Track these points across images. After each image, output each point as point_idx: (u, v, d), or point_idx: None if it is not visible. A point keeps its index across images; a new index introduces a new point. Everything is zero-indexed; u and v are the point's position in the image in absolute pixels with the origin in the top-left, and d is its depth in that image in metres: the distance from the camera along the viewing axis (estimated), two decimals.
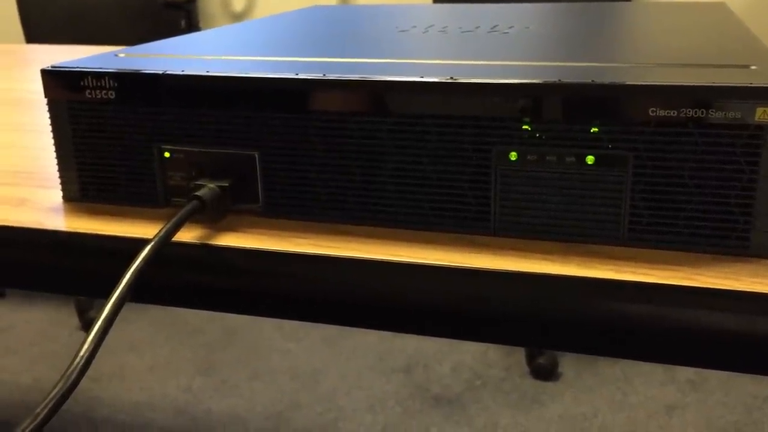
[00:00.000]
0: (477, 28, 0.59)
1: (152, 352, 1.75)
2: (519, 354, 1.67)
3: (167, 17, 1.92)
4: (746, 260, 0.38)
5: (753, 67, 0.40)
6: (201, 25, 2.36)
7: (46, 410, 0.30)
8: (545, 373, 1.59)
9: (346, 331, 1.79)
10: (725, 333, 0.35)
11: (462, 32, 0.57)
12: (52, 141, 0.52)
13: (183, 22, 1.87)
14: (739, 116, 0.36)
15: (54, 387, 0.30)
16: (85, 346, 0.32)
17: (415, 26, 0.61)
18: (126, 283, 0.37)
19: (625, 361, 1.63)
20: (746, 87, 0.36)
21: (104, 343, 1.83)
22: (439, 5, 0.80)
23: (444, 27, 0.60)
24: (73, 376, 0.31)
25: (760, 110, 0.36)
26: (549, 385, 1.57)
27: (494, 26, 0.60)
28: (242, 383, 1.62)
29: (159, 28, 1.92)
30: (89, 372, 1.66)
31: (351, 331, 1.79)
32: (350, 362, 1.68)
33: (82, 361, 0.31)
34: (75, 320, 1.88)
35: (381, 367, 1.66)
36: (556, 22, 0.61)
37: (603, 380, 1.58)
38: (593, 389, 1.55)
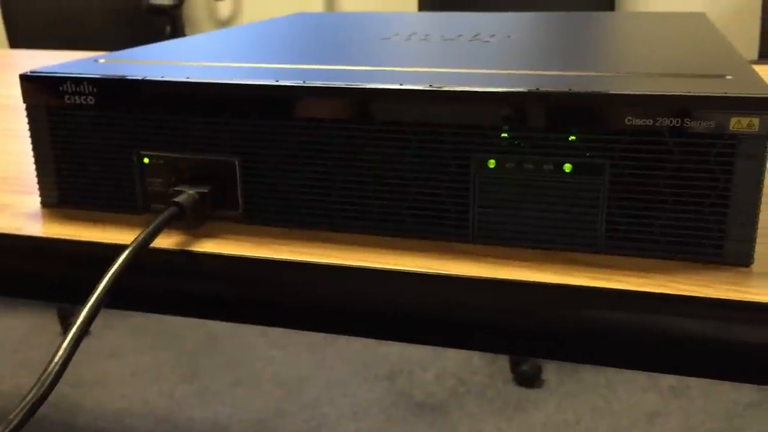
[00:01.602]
0: (459, 36, 0.60)
1: (134, 358, 1.74)
2: (503, 361, 1.67)
3: (152, 23, 1.92)
4: (720, 268, 0.38)
5: (728, 77, 0.40)
6: (186, 30, 2.35)
7: (19, 416, 0.30)
8: (529, 380, 1.60)
9: (330, 338, 1.79)
10: (699, 340, 0.35)
11: (443, 40, 0.57)
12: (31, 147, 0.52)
13: (168, 28, 1.86)
14: (714, 126, 0.37)
15: (28, 393, 0.30)
16: (60, 352, 0.32)
17: (397, 34, 0.62)
18: (102, 289, 0.37)
19: (608, 368, 1.64)
20: (721, 97, 0.36)
21: (85, 349, 1.82)
22: (422, 13, 0.81)
23: (426, 35, 0.61)
24: (48, 382, 0.31)
25: (734, 120, 0.36)
26: (532, 392, 1.57)
27: (476, 35, 0.60)
28: (225, 390, 1.62)
29: (144, 34, 1.92)
30: (70, 379, 1.65)
31: (335, 338, 1.79)
32: (334, 369, 1.68)
33: (57, 366, 0.31)
34: (57, 327, 1.87)
35: (365, 374, 1.66)
36: (537, 31, 0.62)
37: (586, 387, 1.58)
38: (576, 396, 1.56)
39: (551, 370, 1.64)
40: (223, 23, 2.37)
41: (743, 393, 1.55)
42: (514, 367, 1.62)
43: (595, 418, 1.49)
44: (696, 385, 1.58)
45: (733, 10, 1.93)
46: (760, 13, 1.79)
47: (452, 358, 1.70)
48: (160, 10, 1.82)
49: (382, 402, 1.56)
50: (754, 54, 1.82)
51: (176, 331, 1.84)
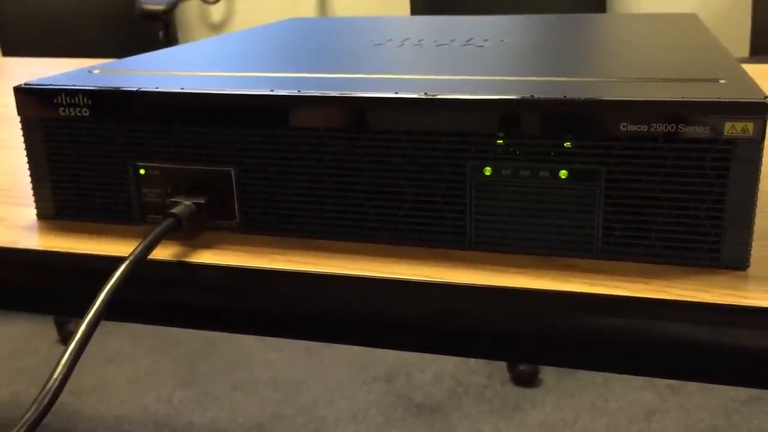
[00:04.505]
0: (452, 41, 0.60)
1: (132, 364, 1.74)
2: (500, 361, 1.68)
3: (145, 28, 1.91)
4: (717, 272, 0.38)
5: (722, 81, 0.40)
6: (179, 35, 2.35)
7: None
8: (526, 379, 1.60)
9: None
10: (697, 345, 0.35)
11: (437, 46, 0.57)
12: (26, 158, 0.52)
13: (161, 34, 1.86)
14: (709, 131, 0.37)
15: (27, 411, 0.30)
16: (59, 369, 0.32)
17: (390, 39, 0.62)
18: (101, 302, 0.36)
19: None
20: (715, 102, 0.36)
21: (84, 355, 1.82)
22: (414, 17, 0.81)
23: (419, 40, 0.61)
24: (47, 400, 0.31)
25: (728, 125, 0.37)
26: (530, 392, 1.58)
27: (469, 39, 0.60)
28: (224, 395, 1.62)
29: (137, 40, 1.92)
30: (69, 386, 1.64)
31: None
32: (332, 372, 1.68)
33: (56, 383, 0.31)
34: (54, 333, 1.86)
35: (363, 376, 1.66)
36: (530, 35, 0.62)
37: (583, 386, 1.59)
38: (574, 395, 1.56)
39: (548, 370, 1.64)
40: (216, 27, 2.37)
41: (741, 389, 1.55)
42: (512, 367, 1.62)
43: (593, 417, 1.49)
44: (693, 382, 1.59)
45: (725, 7, 1.94)
46: (751, 11, 1.80)
47: (450, 359, 1.70)
48: (153, 15, 1.82)
49: (380, 404, 1.56)
50: (745, 52, 1.83)
51: (174, 336, 1.84)
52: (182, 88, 0.44)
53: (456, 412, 1.52)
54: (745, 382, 0.36)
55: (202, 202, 0.44)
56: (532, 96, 0.39)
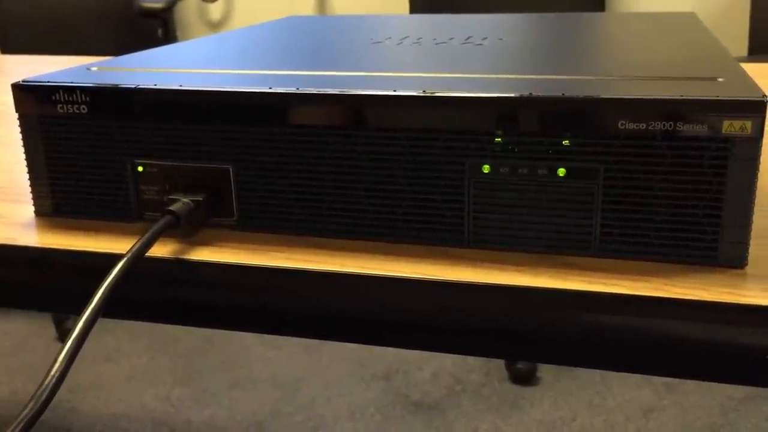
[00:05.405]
0: (451, 39, 0.60)
1: (130, 361, 1.74)
2: (498, 359, 1.68)
3: (144, 26, 1.91)
4: (714, 270, 0.38)
5: (720, 80, 0.40)
6: (178, 33, 2.35)
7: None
8: (524, 377, 1.60)
9: None
10: (695, 343, 0.35)
11: (435, 44, 0.57)
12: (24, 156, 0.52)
13: (160, 31, 1.86)
14: (707, 129, 0.37)
15: (24, 408, 0.30)
16: (56, 366, 0.32)
17: (389, 37, 0.62)
18: (99, 299, 0.36)
19: None
20: (713, 100, 0.36)
21: (81, 353, 1.82)
22: (413, 15, 0.81)
23: (418, 38, 0.61)
24: (44, 397, 0.31)
25: (726, 123, 0.37)
26: (528, 390, 1.58)
27: (468, 38, 0.60)
28: (222, 392, 1.62)
29: (136, 37, 1.92)
30: (66, 383, 1.64)
31: None
32: (330, 370, 1.68)
33: (53, 380, 0.31)
34: (52, 331, 1.86)
35: (361, 374, 1.66)
36: (528, 34, 0.62)
37: (581, 384, 1.59)
38: (572, 393, 1.56)
39: (546, 368, 1.64)
40: (215, 26, 2.37)
41: (738, 387, 1.55)
42: (510, 365, 1.62)
43: (590, 415, 1.49)
44: (690, 380, 1.59)
45: (723, 6, 1.94)
46: (750, 10, 1.80)
47: (448, 357, 1.71)
48: (152, 13, 1.81)
49: (378, 402, 1.56)
50: (743, 51, 1.83)
51: (172, 333, 1.84)
52: (180, 86, 0.44)
53: (454, 410, 1.52)
54: (743, 380, 0.36)
55: (201, 199, 0.44)
56: (530, 94, 0.39)
